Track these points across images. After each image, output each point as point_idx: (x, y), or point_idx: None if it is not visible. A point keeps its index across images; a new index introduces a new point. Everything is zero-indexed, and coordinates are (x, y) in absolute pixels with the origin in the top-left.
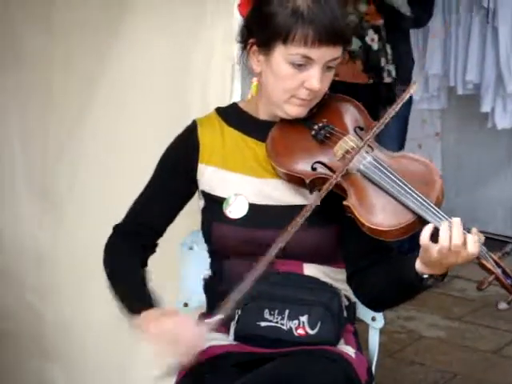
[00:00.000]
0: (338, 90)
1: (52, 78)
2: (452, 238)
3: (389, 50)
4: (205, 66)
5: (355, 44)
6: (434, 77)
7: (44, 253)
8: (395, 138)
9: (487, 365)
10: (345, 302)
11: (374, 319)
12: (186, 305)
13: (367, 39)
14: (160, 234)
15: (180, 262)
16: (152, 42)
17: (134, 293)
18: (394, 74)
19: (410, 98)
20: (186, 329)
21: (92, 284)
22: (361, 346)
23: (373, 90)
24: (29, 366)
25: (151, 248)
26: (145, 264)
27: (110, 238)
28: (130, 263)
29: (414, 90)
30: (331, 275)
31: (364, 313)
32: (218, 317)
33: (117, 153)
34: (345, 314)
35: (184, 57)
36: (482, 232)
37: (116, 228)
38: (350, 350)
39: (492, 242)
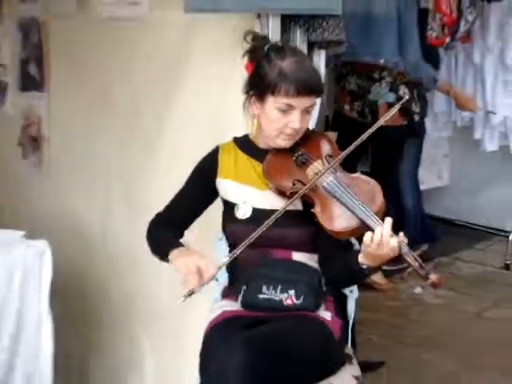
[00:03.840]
0: (382, 134)
1: (136, 117)
2: (383, 235)
3: (416, 97)
4: (233, 109)
5: (392, 97)
6: (442, 113)
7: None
8: (414, 157)
9: (471, 324)
10: (324, 281)
11: (351, 291)
12: (216, 279)
13: (400, 93)
14: (185, 226)
15: (214, 249)
16: (201, 90)
17: (166, 242)
18: (420, 113)
19: (424, 129)
20: (203, 263)
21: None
22: (338, 311)
23: (408, 128)
24: (121, 335)
25: (179, 235)
26: None
27: (152, 220)
28: (163, 232)
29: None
30: (314, 259)
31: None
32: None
33: (177, 169)
34: (324, 288)
35: (221, 102)
36: (473, 224)
37: (157, 215)
38: (326, 315)
39: (480, 233)
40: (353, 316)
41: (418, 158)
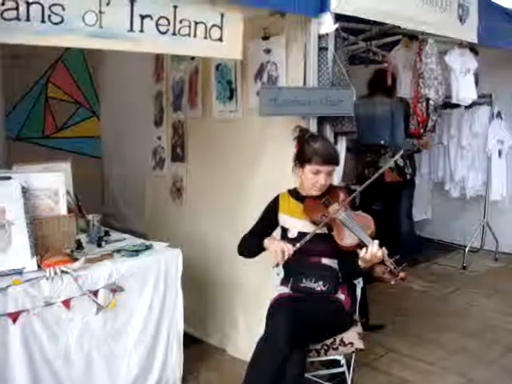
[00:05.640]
0: (387, 187)
1: (236, 176)
2: (373, 249)
3: (408, 163)
4: (288, 172)
5: (392, 164)
6: (425, 174)
7: (224, 246)
8: (408, 201)
9: (443, 300)
10: (340, 276)
11: (359, 282)
12: (277, 274)
13: (398, 161)
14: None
15: None
16: (271, 160)
17: (257, 240)
18: (410, 173)
19: (414, 183)
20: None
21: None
22: (350, 294)
23: (403, 183)
24: (223, 303)
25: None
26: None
27: (240, 241)
28: (250, 245)
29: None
30: (335, 263)
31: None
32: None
33: (258, 207)
34: (340, 280)
35: (282, 167)
36: (440, 241)
37: (243, 237)
38: (341, 296)
39: (449, 247)
40: (359, 296)
41: (410, 202)
